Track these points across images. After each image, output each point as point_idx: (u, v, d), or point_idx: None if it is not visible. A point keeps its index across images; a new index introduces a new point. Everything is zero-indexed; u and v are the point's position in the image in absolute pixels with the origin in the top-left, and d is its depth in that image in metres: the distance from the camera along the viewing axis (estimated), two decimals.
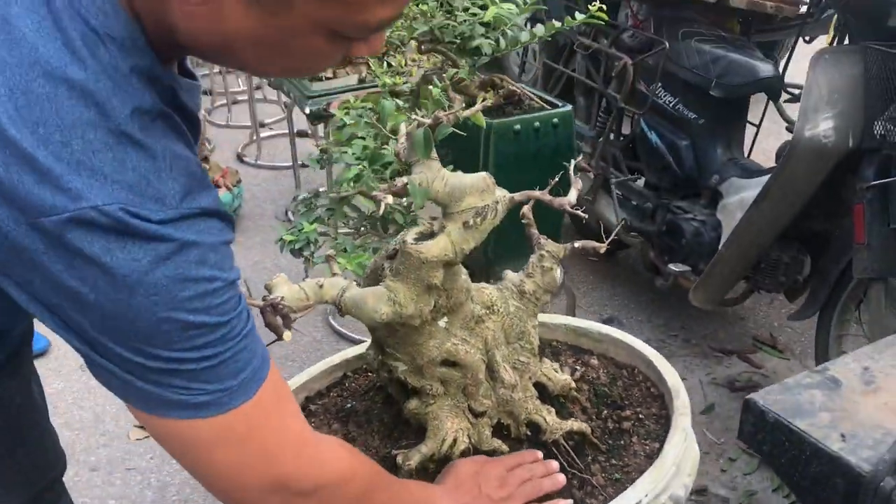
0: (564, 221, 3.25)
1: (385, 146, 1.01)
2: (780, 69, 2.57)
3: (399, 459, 1.11)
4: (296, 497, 0.82)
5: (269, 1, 0.64)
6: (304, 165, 3.55)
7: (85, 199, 0.62)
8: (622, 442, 1.22)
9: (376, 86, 1.72)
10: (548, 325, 1.46)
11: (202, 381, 0.71)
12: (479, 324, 1.14)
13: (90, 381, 2.66)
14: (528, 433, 1.18)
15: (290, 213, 3.77)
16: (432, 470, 1.13)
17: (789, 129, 2.38)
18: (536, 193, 1.02)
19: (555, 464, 1.13)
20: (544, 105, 1.85)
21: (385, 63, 1.97)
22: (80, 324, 0.68)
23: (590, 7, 1.76)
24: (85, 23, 0.63)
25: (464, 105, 0.98)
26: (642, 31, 2.71)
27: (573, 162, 1.05)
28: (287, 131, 3.85)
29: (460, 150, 1.82)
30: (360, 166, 0.99)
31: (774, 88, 2.47)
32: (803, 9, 2.68)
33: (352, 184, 1.00)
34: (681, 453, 1.17)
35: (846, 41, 2.28)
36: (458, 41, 1.75)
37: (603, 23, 1.82)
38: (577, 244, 1.20)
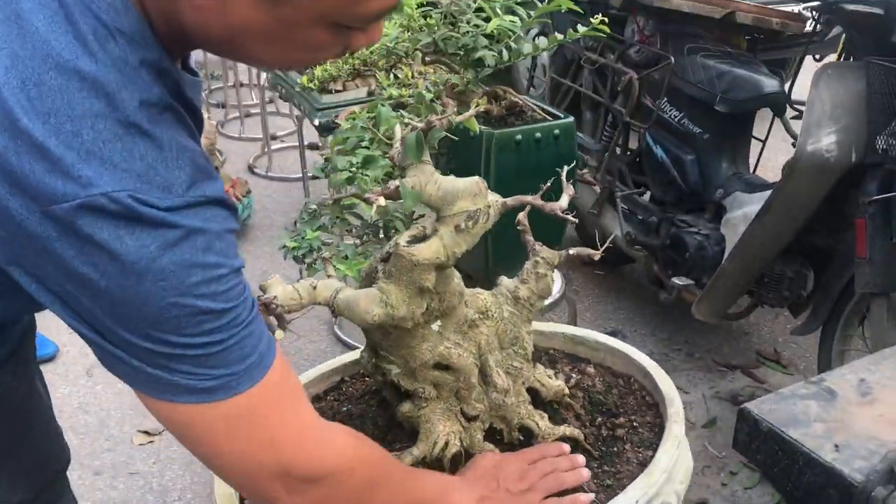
0: (570, 234, 3.26)
1: (385, 154, 1.03)
2: (788, 86, 2.58)
3: None
4: (301, 483, 0.82)
5: None
6: (314, 177, 3.59)
7: (95, 186, 0.64)
8: (615, 449, 1.22)
9: (385, 98, 1.74)
10: (545, 334, 1.47)
11: (209, 366, 0.73)
12: (472, 328, 1.15)
13: (95, 387, 2.69)
14: (521, 438, 1.19)
15: (298, 224, 3.79)
16: None
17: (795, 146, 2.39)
18: (528, 198, 1.03)
19: (581, 458, 1.13)
20: (546, 116, 1.87)
21: (392, 75, 1.99)
22: (90, 311, 0.69)
23: (592, 20, 1.78)
24: (96, 17, 0.66)
25: (455, 111, 0.99)
26: (648, 47, 2.73)
27: (566, 168, 1.06)
28: (298, 144, 3.89)
29: (462, 159, 1.83)
30: (353, 169, 1.00)
31: (779, 104, 2.48)
32: (809, 27, 2.69)
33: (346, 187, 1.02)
34: (673, 461, 1.18)
35: (851, 58, 2.29)
36: (461, 53, 1.77)
37: (605, 35, 1.85)
38: (571, 251, 1.21)
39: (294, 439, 0.81)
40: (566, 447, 1.14)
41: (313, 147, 4.34)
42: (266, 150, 4.56)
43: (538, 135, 1.82)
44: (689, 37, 2.66)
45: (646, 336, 2.89)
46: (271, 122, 4.68)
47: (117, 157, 0.65)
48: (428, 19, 1.84)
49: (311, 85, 2.65)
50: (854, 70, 2.07)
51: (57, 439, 1.07)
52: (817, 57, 2.76)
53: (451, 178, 1.01)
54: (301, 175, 3.87)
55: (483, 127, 1.83)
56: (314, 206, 1.46)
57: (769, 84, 2.42)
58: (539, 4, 1.80)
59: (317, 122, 3.01)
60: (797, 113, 2.79)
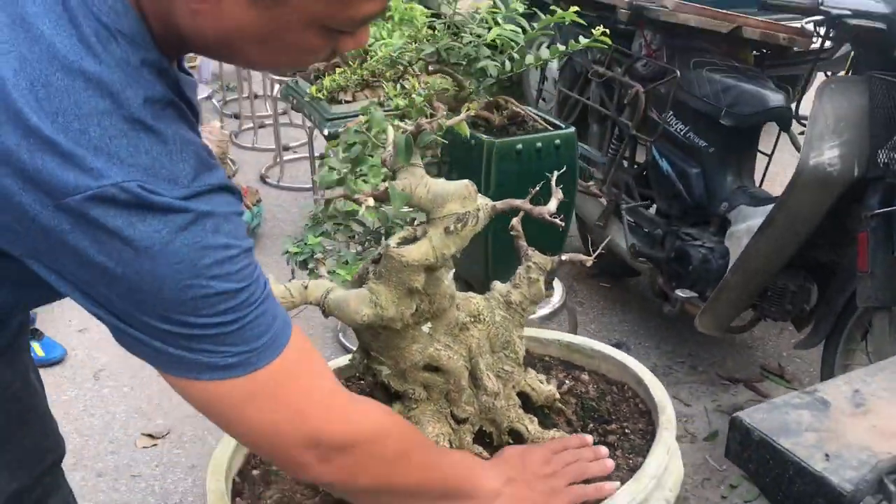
0: (577, 246, 3.27)
1: (374, 154, 1.05)
2: (796, 102, 2.57)
3: None
4: (332, 452, 0.84)
5: None
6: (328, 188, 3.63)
7: (106, 178, 0.67)
8: None
9: (392, 108, 1.77)
10: (541, 341, 1.48)
11: (228, 343, 0.75)
12: (463, 331, 1.17)
13: (102, 390, 2.71)
14: (510, 441, 1.20)
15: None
16: None
17: None
18: (517, 202, 1.05)
19: (604, 450, 1.14)
20: (548, 127, 1.88)
21: (399, 86, 2.02)
22: (108, 298, 0.72)
23: (593, 31, 1.80)
24: (97, 20, 0.69)
25: (445, 114, 1.01)
26: (655, 61, 2.74)
27: (556, 173, 1.08)
28: (309, 154, 3.93)
29: (463, 167, 1.85)
30: (343, 169, 1.02)
31: (784, 118, 2.48)
32: (817, 43, 2.69)
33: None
34: (663, 467, 1.18)
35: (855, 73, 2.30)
36: (464, 63, 1.80)
37: (607, 47, 1.86)
38: (564, 257, 1.22)
39: (321, 409, 0.84)
40: (588, 438, 1.16)
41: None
42: (278, 160, 4.60)
43: (539, 144, 1.84)
44: (696, 51, 2.67)
45: (650, 348, 2.88)
46: (284, 134, 4.72)
47: (124, 153, 0.68)
48: (433, 31, 1.86)
49: (319, 95, 2.68)
50: (857, 84, 2.07)
51: (52, 430, 1.10)
52: (829, 74, 2.76)
53: (442, 180, 1.03)
54: (311, 185, 3.90)
55: (485, 136, 1.85)
56: (318, 214, 1.48)
57: (774, 98, 2.42)
58: (543, 17, 1.82)
59: (326, 132, 3.04)
60: (804, 128, 2.80)
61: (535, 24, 1.84)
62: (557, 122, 1.93)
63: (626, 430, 1.30)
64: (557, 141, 1.85)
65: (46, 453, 1.07)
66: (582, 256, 1.21)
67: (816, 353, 2.35)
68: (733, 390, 2.66)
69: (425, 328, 1.13)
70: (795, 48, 2.68)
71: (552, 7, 1.88)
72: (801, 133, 2.74)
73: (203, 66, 5.68)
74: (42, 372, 2.87)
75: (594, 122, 3.15)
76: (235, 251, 0.74)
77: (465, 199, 1.02)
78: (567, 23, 1.84)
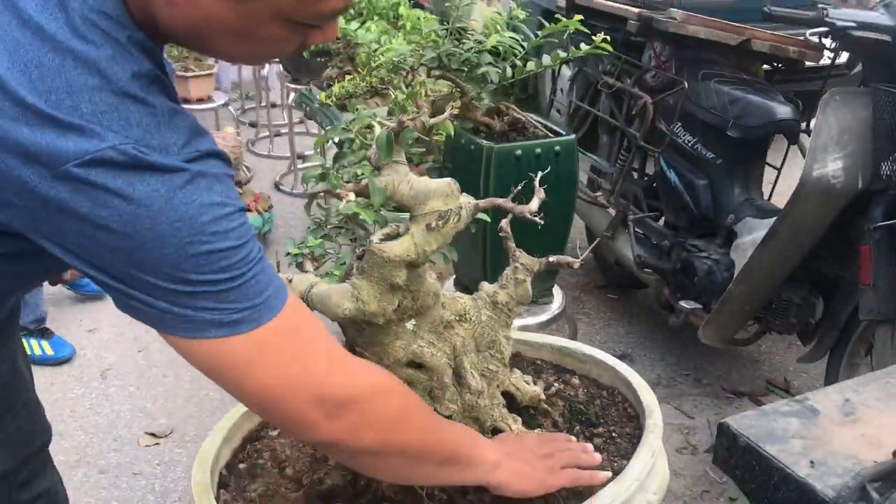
0: (588, 256, 3.27)
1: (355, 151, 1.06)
2: (811, 118, 2.56)
3: None
4: (338, 408, 0.86)
5: None
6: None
7: (103, 141, 0.69)
8: None
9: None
10: (533, 345, 1.49)
11: (231, 300, 0.77)
12: (448, 329, 1.18)
13: (108, 389, 2.75)
14: None
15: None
16: None
17: None
18: (499, 201, 1.06)
19: (590, 446, 1.16)
20: (549, 133, 1.89)
21: (407, 90, 2.03)
22: (111, 262, 0.74)
23: (594, 39, 1.81)
24: (83, 2, 0.72)
25: (427, 112, 1.03)
26: (664, 72, 2.75)
27: (540, 173, 1.09)
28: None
29: (462, 172, 1.87)
30: (325, 164, 1.04)
31: (792, 130, 2.47)
32: (828, 58, 2.67)
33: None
34: (646, 470, 1.18)
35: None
36: (465, 69, 1.81)
37: (607, 53, 1.87)
38: (551, 258, 1.23)
39: (325, 364, 0.86)
40: (573, 438, 1.18)
41: None
42: (292, 168, 4.65)
43: (538, 150, 1.85)
44: (705, 63, 2.67)
45: (655, 360, 2.87)
46: (299, 142, 4.77)
47: (116, 126, 0.70)
48: (433, 36, 1.88)
49: (328, 101, 2.71)
50: (861, 96, 2.07)
51: (39, 415, 1.12)
52: None
53: (425, 178, 1.04)
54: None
55: (484, 141, 1.86)
56: (320, 217, 1.50)
57: (782, 111, 2.41)
58: (547, 25, 1.84)
59: (336, 139, 3.08)
60: None
61: (538, 33, 1.85)
62: (558, 129, 1.94)
63: (613, 434, 1.30)
64: (557, 147, 1.86)
65: (33, 438, 1.09)
66: (570, 259, 1.22)
67: (822, 368, 2.33)
68: (737, 403, 2.64)
69: (409, 325, 1.14)
70: (807, 62, 2.67)
71: (556, 16, 1.90)
72: None
73: (222, 75, 5.76)
74: (50, 370, 2.90)
75: (604, 132, 3.16)
76: (231, 209, 0.77)
77: (447, 197, 1.03)
78: (571, 31, 1.85)
